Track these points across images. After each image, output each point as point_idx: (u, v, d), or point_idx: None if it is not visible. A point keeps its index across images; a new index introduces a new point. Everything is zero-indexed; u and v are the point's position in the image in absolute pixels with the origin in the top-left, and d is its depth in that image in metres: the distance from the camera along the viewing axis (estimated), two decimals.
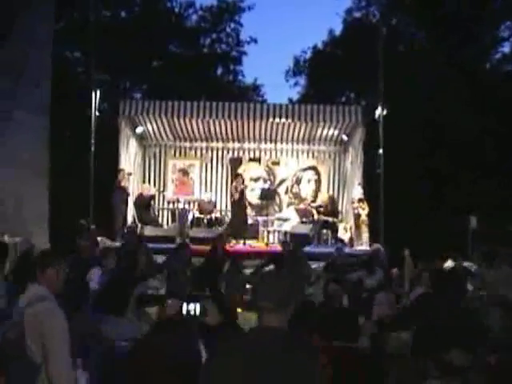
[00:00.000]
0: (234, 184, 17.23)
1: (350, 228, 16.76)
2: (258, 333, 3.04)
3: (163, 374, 3.81)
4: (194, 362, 3.39)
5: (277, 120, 16.83)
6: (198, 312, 4.13)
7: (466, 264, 12.00)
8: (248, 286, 10.96)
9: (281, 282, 3.12)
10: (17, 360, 3.84)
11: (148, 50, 29.88)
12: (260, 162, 19.38)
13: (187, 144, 19.33)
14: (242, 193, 16.79)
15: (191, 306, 4.15)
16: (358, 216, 16.25)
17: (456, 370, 3.17)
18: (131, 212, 16.56)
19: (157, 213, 17.95)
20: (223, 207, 18.75)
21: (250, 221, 17.34)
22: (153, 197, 17.20)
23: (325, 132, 18.10)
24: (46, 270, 4.17)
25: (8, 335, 3.90)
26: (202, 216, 17.07)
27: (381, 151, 16.07)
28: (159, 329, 4.17)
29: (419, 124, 25.07)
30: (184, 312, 4.12)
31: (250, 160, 19.39)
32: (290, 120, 16.82)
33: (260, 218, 18.06)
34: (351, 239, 16.48)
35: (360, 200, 16.27)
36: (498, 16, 29.10)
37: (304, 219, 17.52)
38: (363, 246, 15.73)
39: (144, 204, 16.52)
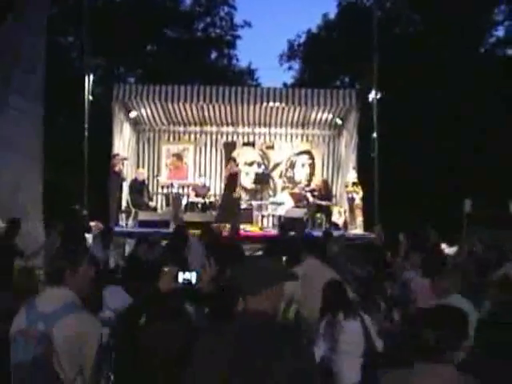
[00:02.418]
0: (227, 167, 17.28)
1: (345, 212, 16.79)
2: (241, 318, 3.03)
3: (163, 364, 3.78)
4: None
5: (271, 104, 16.81)
6: (194, 280, 4.12)
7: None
8: None
9: (256, 264, 3.10)
10: (44, 380, 3.41)
11: (142, 35, 29.77)
12: (254, 146, 19.38)
13: (181, 128, 19.31)
14: (236, 177, 16.79)
15: (187, 275, 4.13)
16: (352, 200, 16.29)
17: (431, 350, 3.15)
18: (125, 197, 16.56)
19: (151, 197, 17.92)
20: (217, 191, 18.75)
21: (244, 205, 17.35)
22: (144, 181, 17.13)
23: (319, 116, 18.09)
24: (78, 268, 3.77)
25: (35, 351, 3.40)
26: (196, 200, 17.07)
27: (375, 135, 16.07)
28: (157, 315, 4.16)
29: (414, 108, 25.08)
30: (180, 280, 4.11)
31: (244, 144, 19.39)
32: (284, 104, 16.81)
33: (254, 203, 18.08)
34: (345, 223, 16.51)
35: (354, 184, 16.30)
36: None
37: (298, 203, 17.55)
38: (357, 229, 15.79)
39: (137, 188, 16.51)
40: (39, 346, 3.40)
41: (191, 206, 16.93)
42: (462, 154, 24.43)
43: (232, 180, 16.56)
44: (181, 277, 4.13)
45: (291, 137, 19.43)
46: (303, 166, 19.30)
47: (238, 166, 17.20)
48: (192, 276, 4.14)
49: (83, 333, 3.45)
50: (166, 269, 4.39)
